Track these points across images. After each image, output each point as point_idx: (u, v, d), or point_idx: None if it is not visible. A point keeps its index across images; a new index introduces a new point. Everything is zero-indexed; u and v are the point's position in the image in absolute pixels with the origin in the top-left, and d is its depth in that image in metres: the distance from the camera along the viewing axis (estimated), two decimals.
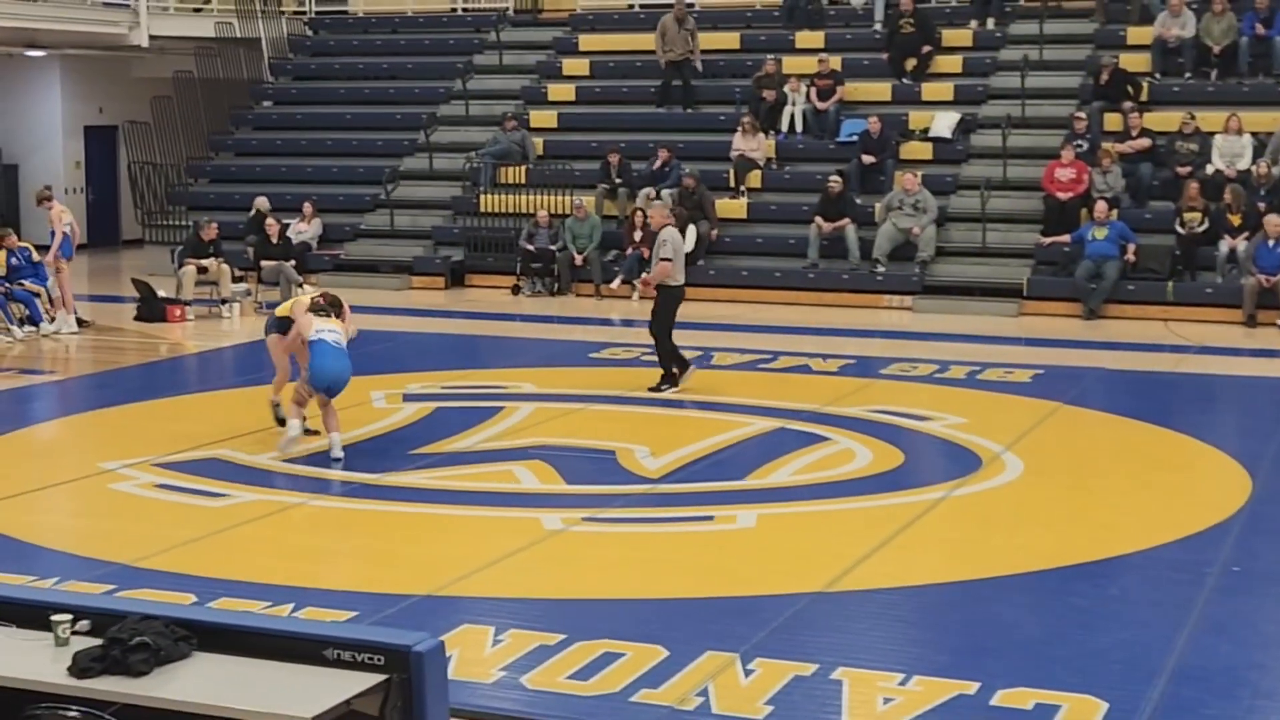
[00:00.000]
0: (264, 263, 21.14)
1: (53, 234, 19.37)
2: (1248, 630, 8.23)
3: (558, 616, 8.27)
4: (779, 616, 8.22)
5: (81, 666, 4.93)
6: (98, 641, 5.04)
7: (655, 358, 14.93)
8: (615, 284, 21.52)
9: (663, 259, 14.66)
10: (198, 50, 27.42)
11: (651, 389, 14.68)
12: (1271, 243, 19.02)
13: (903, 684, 7.28)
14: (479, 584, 8.88)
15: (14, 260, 18.68)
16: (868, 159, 22.00)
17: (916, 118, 22.95)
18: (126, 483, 11.23)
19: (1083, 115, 21.60)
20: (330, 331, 12.05)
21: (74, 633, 5.13)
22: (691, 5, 26.29)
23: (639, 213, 21.87)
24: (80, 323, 18.87)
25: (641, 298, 15.00)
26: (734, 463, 11.94)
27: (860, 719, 6.96)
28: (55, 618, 5.13)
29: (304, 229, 23.24)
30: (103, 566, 9.10)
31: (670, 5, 26.42)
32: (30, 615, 5.24)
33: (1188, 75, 22.42)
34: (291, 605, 8.27)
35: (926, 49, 23.65)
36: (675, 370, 14.85)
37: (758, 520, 10.24)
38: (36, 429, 13.83)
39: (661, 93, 24.36)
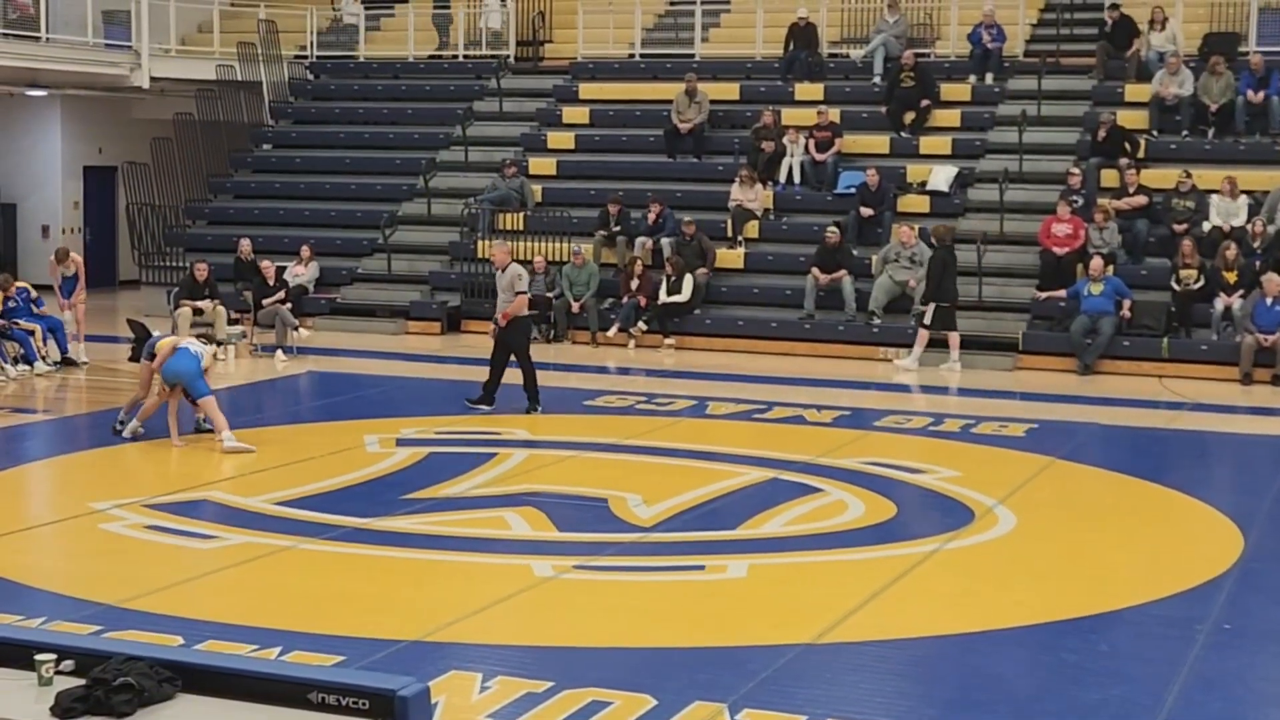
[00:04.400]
0: (262, 304, 21.15)
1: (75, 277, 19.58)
2: (1238, 687, 8.20)
3: (546, 664, 8.23)
4: (768, 667, 8.18)
5: (64, 707, 4.88)
6: (81, 682, 5.00)
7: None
8: (612, 332, 21.56)
9: (520, 291, 15.77)
10: (198, 92, 27.51)
11: (469, 401, 15.91)
12: (1269, 301, 19.05)
13: None
14: (468, 630, 8.84)
15: (11, 304, 18.70)
16: (865, 211, 22.07)
17: (914, 171, 23.05)
18: (116, 523, 11.19)
19: (1079, 171, 21.68)
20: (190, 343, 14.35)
21: (58, 672, 5.10)
22: (691, 56, 26.45)
23: (637, 261, 21.93)
24: (69, 361, 18.92)
25: (495, 335, 16.21)
26: (726, 512, 11.91)
27: None
28: (39, 657, 5.09)
29: (301, 272, 23.25)
30: (90, 607, 9.05)
31: (669, 55, 26.69)
32: (14, 654, 5.20)
33: (1185, 133, 22.54)
34: (279, 648, 8.23)
35: (925, 103, 23.75)
36: (490, 389, 15.97)
37: (749, 570, 10.21)
38: (28, 468, 13.80)
39: (669, 143, 24.46)
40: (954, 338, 19.86)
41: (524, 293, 15.91)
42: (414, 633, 8.67)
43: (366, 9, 29.59)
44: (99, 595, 9.31)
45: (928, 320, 19.79)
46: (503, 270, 16.04)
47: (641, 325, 21.56)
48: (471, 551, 10.61)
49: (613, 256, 22.74)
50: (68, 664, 5.12)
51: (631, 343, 21.55)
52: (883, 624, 9.09)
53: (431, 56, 28.28)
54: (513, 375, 16.03)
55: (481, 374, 17.49)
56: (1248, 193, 20.90)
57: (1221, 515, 12.04)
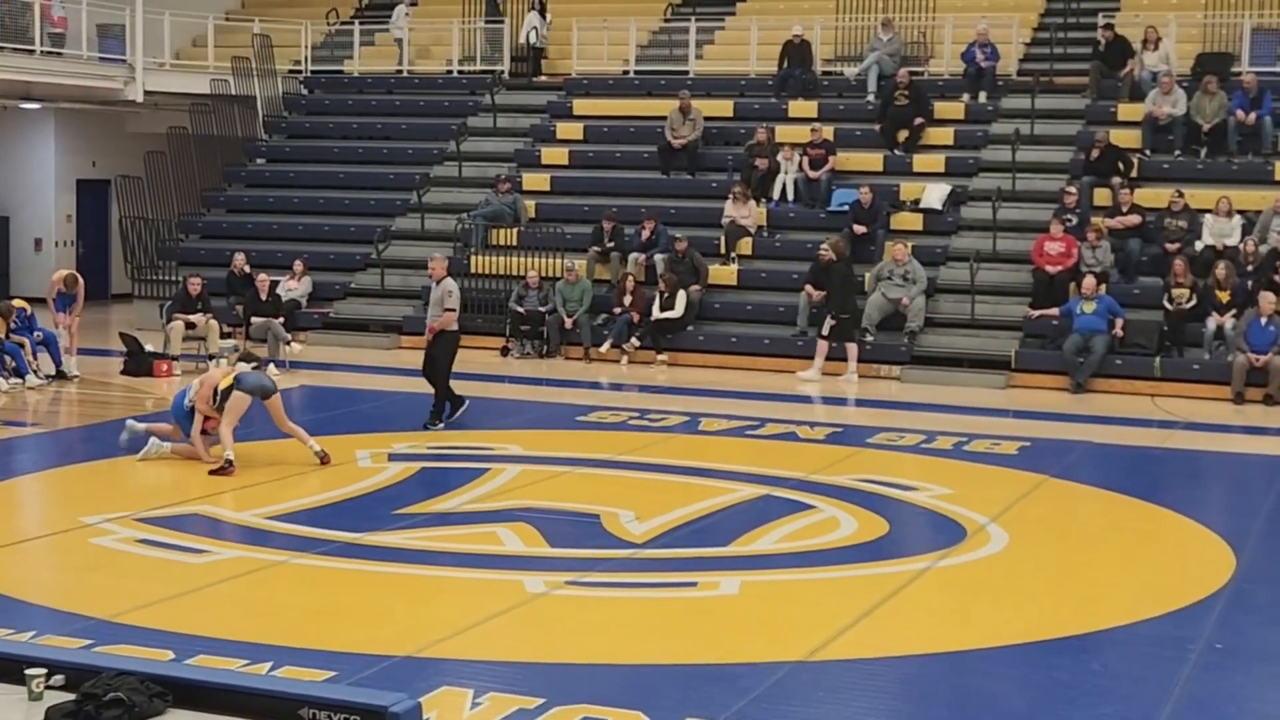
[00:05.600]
0: (253, 319, 21.15)
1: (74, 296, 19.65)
2: (1230, 707, 8.19)
3: (538, 680, 8.21)
4: (760, 685, 8.17)
5: None
6: (71, 697, 4.99)
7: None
8: (605, 348, 21.56)
9: (448, 308, 15.72)
10: (193, 106, 27.53)
11: (427, 425, 15.90)
12: (1264, 321, 19.06)
13: None
14: (459, 646, 8.83)
15: (13, 325, 18.65)
16: (858, 229, 22.07)
17: (908, 189, 23.07)
18: (107, 537, 11.17)
19: (1073, 190, 21.72)
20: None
21: (48, 687, 5.08)
22: (686, 73, 26.48)
23: (629, 278, 21.94)
24: (61, 375, 18.89)
25: (429, 345, 16.23)
26: (719, 529, 11.90)
27: None
28: (29, 672, 5.08)
29: (294, 286, 23.25)
30: (81, 621, 9.02)
31: (664, 72, 26.73)
32: (4, 669, 5.19)
33: (1178, 153, 22.57)
34: (270, 664, 8.21)
35: (919, 121, 23.78)
36: (450, 406, 16.09)
37: (741, 587, 10.20)
38: (19, 482, 13.76)
39: (663, 160, 24.50)
40: (852, 349, 20.32)
41: (452, 310, 15.84)
42: (406, 648, 8.65)
43: (362, 24, 29.62)
44: (90, 609, 9.29)
45: (825, 331, 20.31)
46: (437, 283, 15.97)
47: (634, 341, 21.56)
48: (463, 567, 10.60)
49: (606, 272, 22.75)
50: (58, 679, 5.12)
51: (624, 359, 21.54)
52: (875, 642, 9.08)
53: (484, 71, 28.15)
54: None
55: (470, 387, 17.59)
56: (1240, 212, 20.94)
57: (1214, 535, 12.04)
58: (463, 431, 15.79)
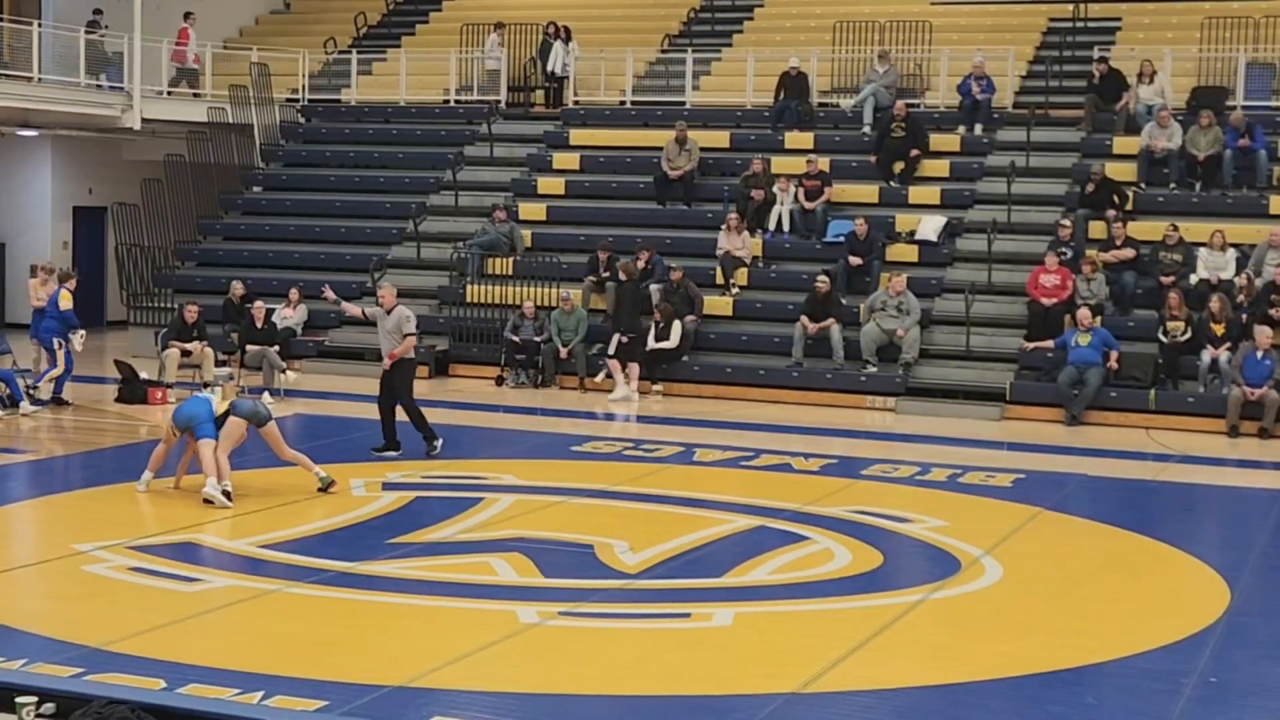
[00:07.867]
0: (248, 347, 21.15)
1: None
2: None
3: (531, 711, 8.19)
4: (753, 717, 8.15)
5: None
6: None
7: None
8: (600, 378, 21.55)
9: (408, 334, 15.82)
10: (190, 134, 27.54)
11: (430, 454, 15.82)
12: (1260, 354, 19.07)
13: None
14: (452, 676, 8.80)
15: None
16: (854, 260, 22.10)
17: (903, 220, 23.11)
18: (100, 565, 11.14)
19: (1068, 223, 21.76)
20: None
21: (39, 715, 5.07)
22: (682, 104, 26.53)
23: None
24: (40, 401, 18.86)
25: (386, 372, 16.11)
26: (713, 560, 11.88)
27: None
28: (20, 699, 5.08)
29: (289, 315, 23.24)
30: (72, 649, 8.98)
31: (660, 102, 26.79)
32: None
33: (1172, 186, 22.61)
34: (262, 693, 8.18)
35: (915, 153, 23.82)
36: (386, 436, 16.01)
37: (734, 619, 10.18)
38: (11, 509, 13.71)
39: (659, 190, 24.54)
40: (634, 368, 21.14)
41: (412, 335, 15.89)
42: (398, 678, 8.62)
43: (359, 54, 29.68)
44: (81, 637, 9.25)
45: (611, 350, 21.15)
46: (388, 312, 15.95)
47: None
48: (456, 597, 10.58)
49: (601, 302, 22.75)
50: (49, 707, 5.11)
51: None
52: (868, 674, 9.06)
53: (481, 101, 28.11)
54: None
55: (465, 417, 17.63)
56: (1235, 245, 20.99)
57: (1208, 568, 12.03)
58: (457, 461, 15.77)
